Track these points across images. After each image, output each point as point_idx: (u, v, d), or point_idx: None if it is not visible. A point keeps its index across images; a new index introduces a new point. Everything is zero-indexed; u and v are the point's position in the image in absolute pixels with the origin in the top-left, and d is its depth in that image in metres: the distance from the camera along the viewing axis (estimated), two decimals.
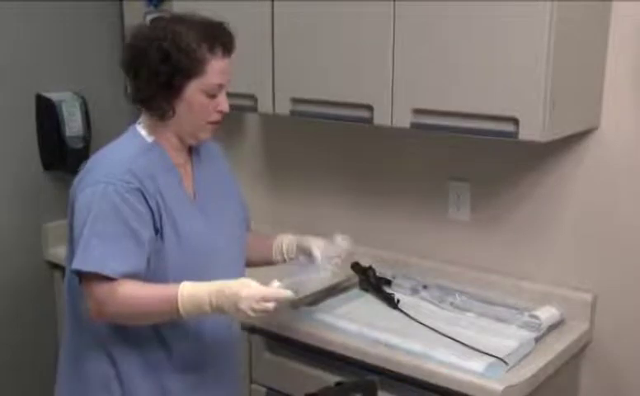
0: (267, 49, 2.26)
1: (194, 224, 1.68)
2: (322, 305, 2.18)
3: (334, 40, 2.12)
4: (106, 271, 1.53)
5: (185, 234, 1.65)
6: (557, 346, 1.97)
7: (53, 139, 2.54)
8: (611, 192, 2.07)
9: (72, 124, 2.55)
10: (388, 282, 2.30)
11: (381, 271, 2.34)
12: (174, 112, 1.63)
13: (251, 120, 2.80)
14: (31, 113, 2.55)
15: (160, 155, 1.66)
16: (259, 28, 2.26)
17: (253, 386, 2.22)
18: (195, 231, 1.68)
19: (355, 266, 2.35)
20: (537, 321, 2.00)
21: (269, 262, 1.92)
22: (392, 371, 1.89)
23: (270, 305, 1.55)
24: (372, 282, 2.28)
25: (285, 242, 1.90)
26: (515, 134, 1.84)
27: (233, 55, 1.68)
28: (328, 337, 2.02)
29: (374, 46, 2.04)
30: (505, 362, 1.81)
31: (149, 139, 1.67)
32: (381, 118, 2.07)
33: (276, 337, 2.14)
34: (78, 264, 1.54)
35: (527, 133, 1.83)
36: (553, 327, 2.03)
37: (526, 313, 2.04)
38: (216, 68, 1.62)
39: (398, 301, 2.18)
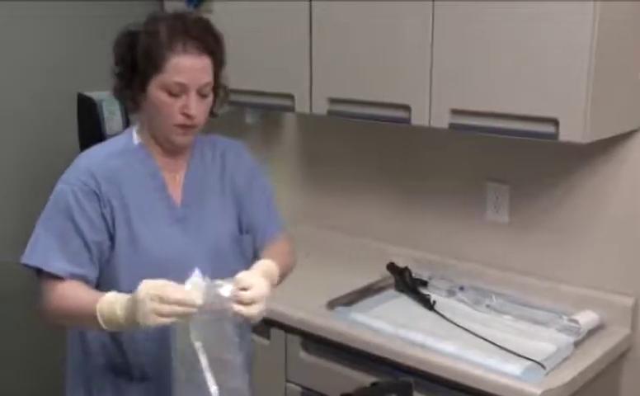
0: (305, 49, 2.27)
1: (167, 235, 1.62)
2: (357, 305, 2.19)
3: (372, 39, 2.12)
4: (50, 269, 1.52)
5: (144, 245, 1.59)
6: (597, 351, 1.94)
7: (94, 137, 2.58)
8: None
9: (113, 124, 2.59)
10: (424, 283, 2.30)
11: (417, 271, 2.34)
12: (138, 107, 1.60)
13: (289, 120, 2.82)
14: (73, 112, 2.60)
15: (143, 158, 1.63)
16: (297, 28, 2.28)
17: (288, 385, 2.23)
18: (161, 243, 1.60)
19: (391, 267, 2.35)
20: (576, 325, 1.98)
21: None
22: (427, 373, 1.89)
23: (179, 309, 1.37)
24: (408, 283, 2.28)
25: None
26: (555, 136, 1.83)
27: (206, 57, 1.56)
28: (364, 337, 2.03)
29: (413, 46, 2.04)
30: (542, 366, 1.80)
31: (137, 142, 1.65)
32: (419, 118, 2.07)
33: (312, 337, 2.15)
34: (25, 258, 1.55)
35: (568, 134, 1.81)
36: (593, 331, 2.01)
37: (565, 317, 2.02)
38: (176, 65, 1.53)
39: (434, 302, 2.17)
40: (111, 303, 1.44)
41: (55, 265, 1.53)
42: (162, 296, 1.37)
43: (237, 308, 1.43)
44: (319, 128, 2.70)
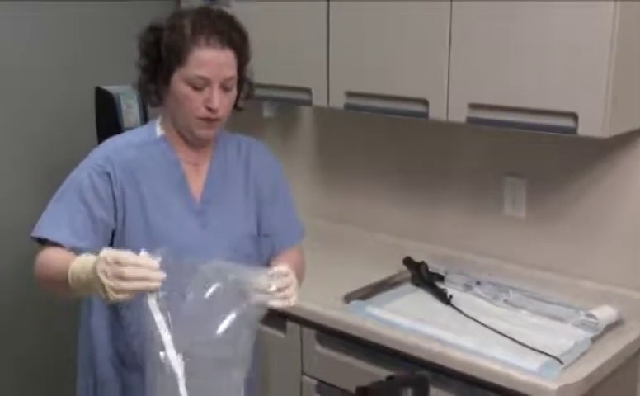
0: (322, 43, 2.27)
1: (183, 226, 1.62)
2: (373, 299, 2.18)
3: (389, 34, 2.11)
4: (53, 238, 1.54)
5: (160, 233, 1.59)
6: (615, 346, 1.93)
7: (111, 130, 2.59)
8: None
9: (130, 117, 2.60)
10: (441, 278, 2.29)
11: (434, 266, 2.33)
12: (161, 100, 1.62)
13: (306, 113, 2.82)
14: (91, 105, 2.62)
15: (164, 150, 1.64)
16: (314, 22, 2.28)
17: (304, 378, 2.23)
18: (178, 233, 1.61)
19: (408, 261, 2.35)
20: (594, 320, 1.96)
21: None
22: (443, 367, 1.89)
23: (126, 271, 1.31)
24: (424, 277, 2.28)
25: None
26: (574, 130, 1.82)
27: (229, 51, 1.57)
28: (379, 331, 2.02)
29: (431, 41, 2.03)
30: (560, 361, 1.79)
31: (159, 134, 1.66)
32: (436, 112, 2.06)
33: (327, 330, 2.15)
34: (34, 231, 1.57)
35: (587, 129, 1.80)
36: (611, 327, 1.99)
37: (582, 313, 2.01)
38: (199, 58, 1.53)
39: (451, 297, 2.17)
40: (77, 268, 1.41)
41: (59, 235, 1.54)
42: (119, 274, 1.31)
43: (276, 302, 1.40)
44: (336, 121, 2.70)
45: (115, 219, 1.60)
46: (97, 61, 2.76)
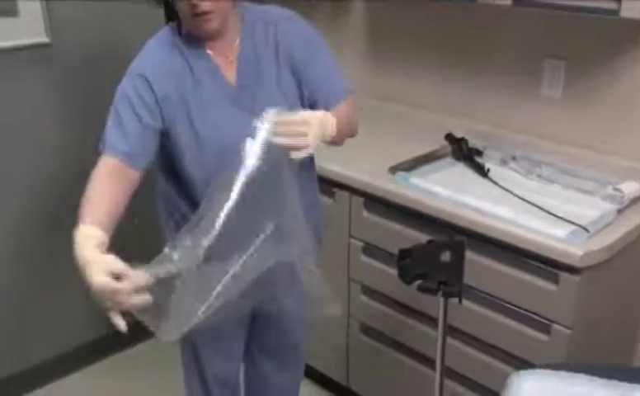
0: None
1: (224, 119, 1.59)
2: (417, 171, 2.19)
3: None
4: (105, 150, 1.52)
5: (202, 128, 1.58)
6: (637, 218, 1.90)
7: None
8: None
9: None
10: (479, 152, 2.27)
11: (473, 142, 2.30)
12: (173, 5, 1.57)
13: (357, 1, 2.73)
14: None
15: (195, 47, 1.59)
16: None
17: (351, 241, 2.28)
18: (220, 124, 1.57)
19: (449, 137, 2.32)
20: (620, 194, 1.94)
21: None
22: (479, 233, 1.90)
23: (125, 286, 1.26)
24: (464, 152, 2.26)
25: None
26: (616, 12, 1.73)
27: None
28: (422, 199, 2.03)
29: None
30: (586, 230, 1.78)
31: (184, 32, 1.61)
32: None
33: (374, 198, 2.17)
34: (100, 147, 1.55)
35: (628, 11, 1.71)
36: (635, 200, 1.96)
37: (610, 187, 1.98)
38: None
39: (488, 170, 2.15)
40: (79, 241, 1.35)
41: (116, 148, 1.52)
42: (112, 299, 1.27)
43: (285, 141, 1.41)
44: (386, 5, 2.61)
45: (162, 119, 1.58)
46: None
